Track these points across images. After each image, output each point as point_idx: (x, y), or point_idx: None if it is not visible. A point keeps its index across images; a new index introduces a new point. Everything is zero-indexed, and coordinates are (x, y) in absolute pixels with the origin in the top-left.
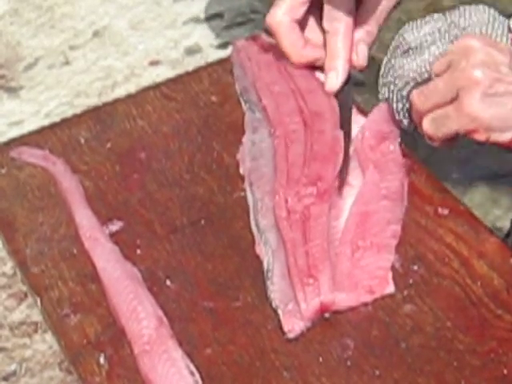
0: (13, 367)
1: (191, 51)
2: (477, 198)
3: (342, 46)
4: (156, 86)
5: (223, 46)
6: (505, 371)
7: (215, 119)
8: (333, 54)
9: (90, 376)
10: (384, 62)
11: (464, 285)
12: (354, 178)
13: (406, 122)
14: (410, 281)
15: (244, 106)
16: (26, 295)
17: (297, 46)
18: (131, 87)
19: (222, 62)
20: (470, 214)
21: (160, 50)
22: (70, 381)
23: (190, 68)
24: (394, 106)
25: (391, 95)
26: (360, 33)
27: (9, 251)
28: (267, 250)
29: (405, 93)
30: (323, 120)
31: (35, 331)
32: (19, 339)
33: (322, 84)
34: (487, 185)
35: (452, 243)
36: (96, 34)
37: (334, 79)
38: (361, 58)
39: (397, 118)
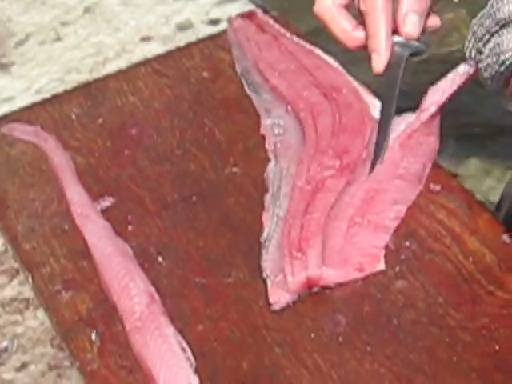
0: (4, 344)
1: (183, 27)
2: (470, 169)
3: (380, 23)
4: (147, 62)
5: (215, 22)
6: (496, 347)
7: (207, 95)
8: (371, 33)
9: (82, 352)
10: (473, 29)
11: (456, 261)
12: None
13: (495, 86)
14: (402, 257)
15: (247, 88)
16: (17, 272)
17: (347, 29)
18: (122, 63)
19: (213, 38)
20: (461, 190)
21: (151, 25)
22: (62, 357)
23: (182, 44)
24: (487, 75)
25: (488, 69)
26: (408, 3)
27: (0, 228)
28: (273, 218)
29: (503, 69)
30: (342, 93)
31: (27, 308)
32: (11, 316)
33: (327, 61)
34: (479, 156)
35: (444, 219)
36: (87, 10)
37: (377, 61)
38: (410, 28)
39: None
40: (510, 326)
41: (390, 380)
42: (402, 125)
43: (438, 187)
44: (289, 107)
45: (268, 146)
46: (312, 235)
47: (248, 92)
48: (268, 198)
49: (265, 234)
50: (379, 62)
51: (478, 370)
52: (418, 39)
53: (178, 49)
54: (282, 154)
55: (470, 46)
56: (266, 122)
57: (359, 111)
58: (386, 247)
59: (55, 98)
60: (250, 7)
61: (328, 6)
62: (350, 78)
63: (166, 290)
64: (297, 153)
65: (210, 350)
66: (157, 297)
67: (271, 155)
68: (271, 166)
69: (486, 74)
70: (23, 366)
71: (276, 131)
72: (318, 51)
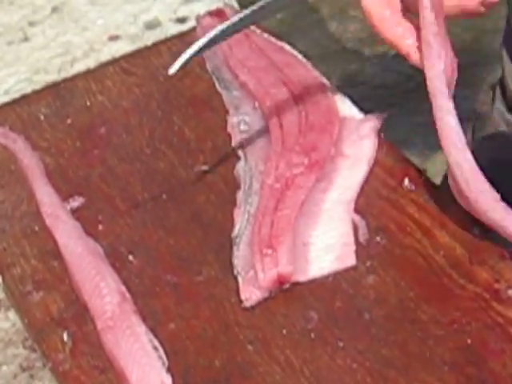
0: None
1: (151, 26)
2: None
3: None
4: (115, 61)
5: (182, 20)
6: (468, 341)
7: (175, 93)
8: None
9: (54, 353)
10: None
11: (426, 255)
12: (350, 149)
13: None
14: (373, 252)
15: (218, 85)
16: None
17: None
18: (91, 63)
19: (181, 36)
20: (431, 185)
21: (119, 24)
22: (34, 358)
23: (150, 42)
24: None
25: None
26: None
27: None
28: (244, 215)
29: None
30: (311, 91)
31: None
32: None
33: (296, 57)
34: None
35: (414, 214)
36: (55, 9)
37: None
38: None
39: None
40: (482, 320)
41: (363, 375)
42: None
43: (407, 182)
44: (256, 104)
45: (234, 143)
46: (282, 232)
47: (218, 89)
48: (240, 194)
49: (236, 231)
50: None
51: (450, 364)
52: None
53: (147, 47)
54: (249, 151)
55: None
56: (232, 119)
57: (327, 108)
58: (357, 242)
59: (23, 98)
60: (217, 5)
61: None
62: (319, 75)
63: (137, 288)
64: (264, 150)
65: (182, 348)
66: (128, 296)
67: (239, 153)
68: (241, 163)
69: None
70: None
71: (242, 128)
72: (288, 48)
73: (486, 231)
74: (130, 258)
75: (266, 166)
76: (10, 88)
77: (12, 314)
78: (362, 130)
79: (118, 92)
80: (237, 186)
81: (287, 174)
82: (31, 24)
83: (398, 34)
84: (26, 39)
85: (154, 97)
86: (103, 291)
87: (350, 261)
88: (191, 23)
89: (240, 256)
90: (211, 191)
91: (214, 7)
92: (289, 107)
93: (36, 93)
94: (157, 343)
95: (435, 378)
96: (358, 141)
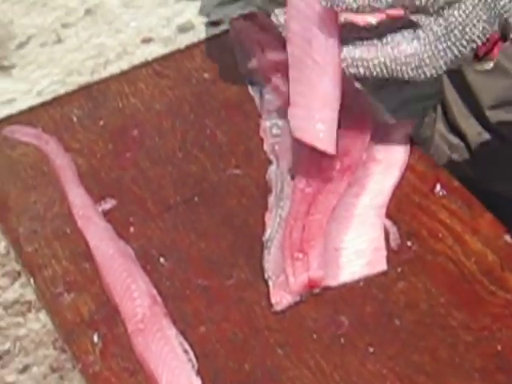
0: (7, 346)
1: (184, 29)
2: None
3: None
4: (148, 64)
5: (216, 23)
6: (499, 347)
7: (208, 96)
8: None
9: (84, 355)
10: None
11: (458, 261)
12: (382, 154)
13: None
14: (404, 257)
15: (251, 89)
16: (19, 274)
17: None
18: (124, 65)
19: (214, 39)
20: (463, 191)
21: (152, 27)
22: (64, 359)
23: (183, 45)
24: None
25: None
26: None
27: (2, 230)
28: (276, 219)
29: None
30: (344, 95)
31: (29, 310)
32: (13, 318)
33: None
34: None
35: (445, 220)
36: (88, 11)
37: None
38: None
39: None
40: (511, 327)
41: (392, 381)
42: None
43: (439, 188)
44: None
45: (266, 147)
46: (313, 237)
47: (251, 93)
48: (271, 199)
49: (267, 235)
50: None
51: (480, 371)
52: None
53: (180, 50)
54: (281, 155)
55: None
56: (265, 123)
57: (359, 113)
58: (388, 248)
59: (56, 100)
60: (249, 9)
61: None
62: (352, 80)
63: (167, 291)
64: (296, 155)
65: (212, 351)
66: (159, 298)
67: (271, 157)
68: (272, 167)
69: None
70: (25, 368)
71: (274, 132)
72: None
73: None
74: (161, 260)
75: (297, 170)
76: (43, 89)
77: (43, 316)
78: (394, 135)
79: (151, 94)
80: (268, 190)
81: (318, 179)
82: (64, 26)
83: None
84: (59, 41)
85: (186, 100)
86: (134, 294)
87: (381, 266)
88: (224, 26)
89: (271, 260)
90: (243, 195)
91: (246, 11)
92: None
93: (69, 94)
94: (187, 346)
95: (466, 381)
96: (390, 146)
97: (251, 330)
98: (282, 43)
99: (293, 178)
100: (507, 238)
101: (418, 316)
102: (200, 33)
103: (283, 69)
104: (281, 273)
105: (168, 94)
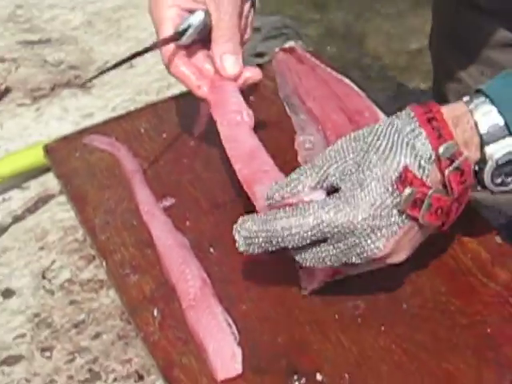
0: (82, 317)
1: None
2: None
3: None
4: None
5: (261, 55)
6: (488, 330)
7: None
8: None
9: (145, 326)
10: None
11: (456, 258)
12: None
13: None
14: (413, 254)
15: (288, 110)
16: (93, 258)
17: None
18: (183, 87)
19: (259, 67)
20: None
21: None
22: (129, 329)
23: None
24: None
25: None
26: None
27: (80, 221)
28: None
29: None
30: (364, 117)
31: (101, 288)
32: (88, 294)
33: (353, 88)
34: None
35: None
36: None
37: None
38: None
39: None
40: (500, 313)
41: (399, 355)
42: None
43: None
44: (319, 127)
45: (300, 159)
46: None
47: (288, 113)
48: None
49: None
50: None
51: (472, 349)
52: None
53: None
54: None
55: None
56: (299, 138)
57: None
58: None
59: (127, 115)
60: (289, 44)
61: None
62: (371, 104)
63: (215, 275)
64: None
65: (251, 326)
66: (208, 281)
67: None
68: None
69: None
70: (97, 335)
71: (307, 146)
72: (347, 80)
73: (506, 239)
74: (211, 250)
75: None
76: (116, 106)
77: (112, 293)
78: None
79: (208, 113)
80: None
81: None
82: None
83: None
84: (130, 67)
85: None
86: (187, 276)
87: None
88: (268, 57)
89: None
90: None
91: (287, 45)
92: (346, 130)
93: (138, 111)
94: (230, 321)
95: (460, 360)
96: None
97: (283, 309)
98: (314, 72)
99: None
100: (497, 238)
101: (422, 301)
102: (248, 62)
103: (315, 94)
104: None
105: None
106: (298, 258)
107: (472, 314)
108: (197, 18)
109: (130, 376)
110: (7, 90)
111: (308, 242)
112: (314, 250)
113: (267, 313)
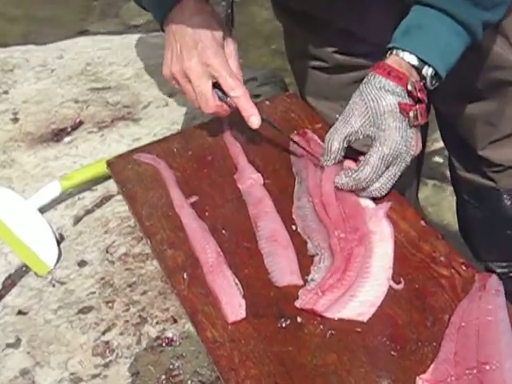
0: (134, 279)
1: None
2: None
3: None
4: (217, 119)
5: (256, 96)
6: (416, 286)
7: (255, 138)
8: (246, 108)
9: (178, 285)
10: None
11: (394, 236)
12: (375, 227)
13: None
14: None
15: (296, 179)
16: (141, 238)
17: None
18: (204, 119)
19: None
20: (397, 196)
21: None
22: (167, 287)
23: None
24: None
25: None
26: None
27: (132, 212)
28: (321, 261)
29: None
30: (345, 195)
31: (147, 259)
32: (137, 263)
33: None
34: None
35: (388, 212)
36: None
37: (256, 120)
38: None
39: None
40: (425, 274)
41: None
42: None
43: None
44: (310, 198)
45: (298, 227)
46: (340, 286)
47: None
48: (316, 260)
49: (316, 261)
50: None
51: (405, 298)
52: None
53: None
54: (311, 236)
55: None
56: (297, 204)
57: (354, 203)
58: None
59: (164, 138)
60: (279, 90)
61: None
62: None
63: (227, 250)
64: (320, 234)
65: (252, 284)
66: (221, 254)
67: (303, 235)
68: (309, 245)
69: None
70: (144, 292)
71: (301, 214)
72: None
73: (428, 221)
74: (223, 232)
75: (330, 241)
76: (156, 132)
77: (155, 262)
78: (378, 214)
79: (220, 136)
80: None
81: (348, 246)
82: (170, 95)
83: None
84: (166, 105)
85: (239, 141)
86: (207, 251)
87: (364, 318)
88: (262, 98)
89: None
90: (273, 197)
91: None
92: (331, 201)
93: (172, 136)
94: (237, 281)
95: (397, 306)
96: (378, 221)
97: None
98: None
99: (326, 251)
100: (422, 222)
101: None
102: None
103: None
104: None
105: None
106: (377, 185)
107: (405, 274)
108: None
109: (167, 320)
110: (81, 123)
111: (379, 173)
112: (385, 174)
113: (264, 276)
